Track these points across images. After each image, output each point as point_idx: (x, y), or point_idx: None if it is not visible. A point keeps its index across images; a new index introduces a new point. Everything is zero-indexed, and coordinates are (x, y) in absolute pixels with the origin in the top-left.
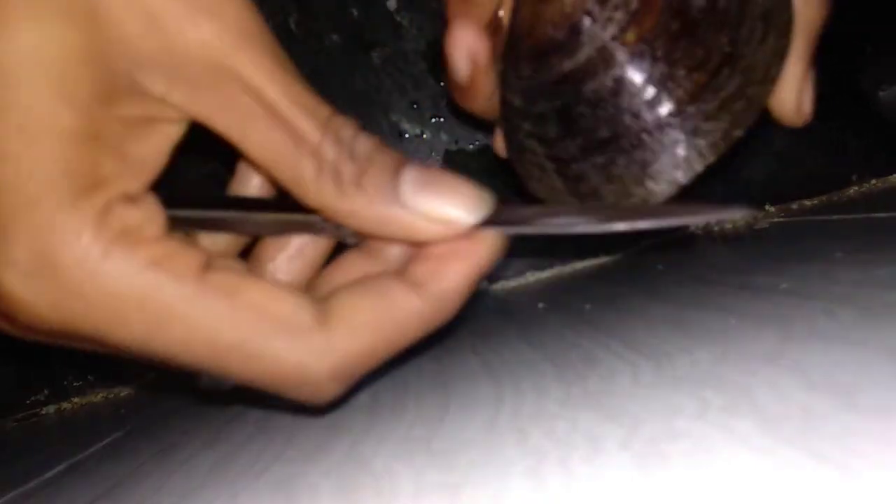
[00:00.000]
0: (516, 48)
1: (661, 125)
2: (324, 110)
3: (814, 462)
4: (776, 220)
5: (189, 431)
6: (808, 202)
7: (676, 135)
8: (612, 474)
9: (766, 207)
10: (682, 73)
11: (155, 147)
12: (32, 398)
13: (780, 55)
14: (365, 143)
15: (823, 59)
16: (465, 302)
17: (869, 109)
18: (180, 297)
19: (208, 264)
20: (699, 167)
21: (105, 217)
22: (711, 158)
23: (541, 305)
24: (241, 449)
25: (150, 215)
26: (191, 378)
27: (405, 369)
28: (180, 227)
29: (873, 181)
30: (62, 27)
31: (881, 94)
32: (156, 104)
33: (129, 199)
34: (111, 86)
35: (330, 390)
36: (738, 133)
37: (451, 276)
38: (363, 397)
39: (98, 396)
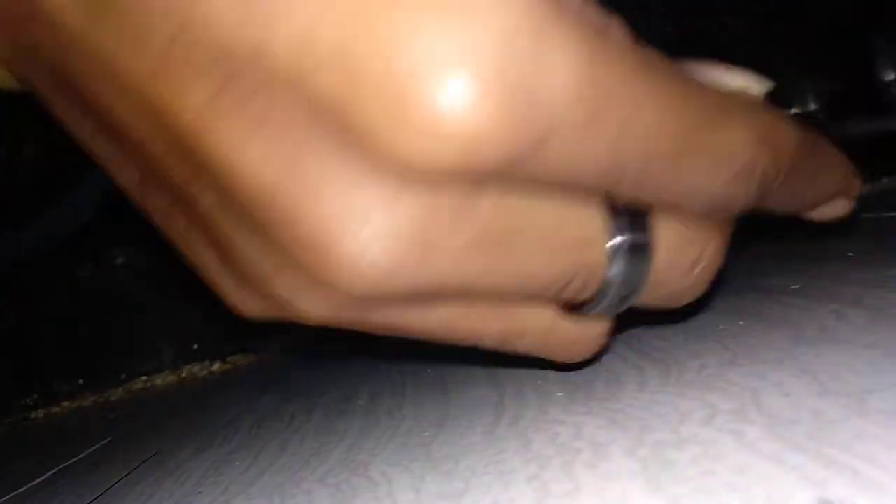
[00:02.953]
0: None
1: None
2: None
3: (824, 468)
4: (785, 219)
5: (181, 437)
6: None
7: None
8: (617, 482)
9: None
10: None
11: None
12: (22, 402)
13: None
14: None
15: (837, 56)
16: None
17: (881, 106)
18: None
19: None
20: None
21: None
22: None
23: None
24: (234, 455)
25: None
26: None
27: (403, 373)
28: None
29: (884, 179)
30: None
31: (893, 90)
32: None
33: None
34: None
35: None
36: None
37: None
38: (360, 401)
39: (88, 401)
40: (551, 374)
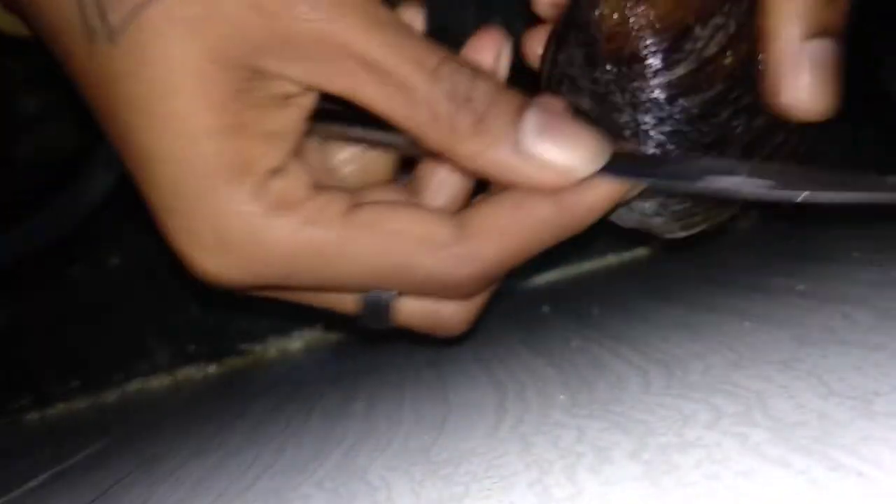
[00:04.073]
0: (592, 46)
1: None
2: (432, 58)
3: (830, 471)
4: (791, 218)
5: (177, 440)
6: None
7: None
8: (620, 486)
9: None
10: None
11: (289, 120)
12: (15, 404)
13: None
14: (484, 87)
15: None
16: (601, 217)
17: (886, 105)
18: (336, 241)
19: (353, 204)
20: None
21: (260, 193)
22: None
23: (545, 308)
24: (230, 459)
25: (297, 181)
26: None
27: (402, 375)
28: (331, 137)
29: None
30: (192, 37)
31: None
32: (279, 83)
33: (277, 171)
34: (238, 79)
35: (474, 300)
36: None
37: (591, 193)
38: (358, 404)
39: (82, 403)
40: (553, 376)
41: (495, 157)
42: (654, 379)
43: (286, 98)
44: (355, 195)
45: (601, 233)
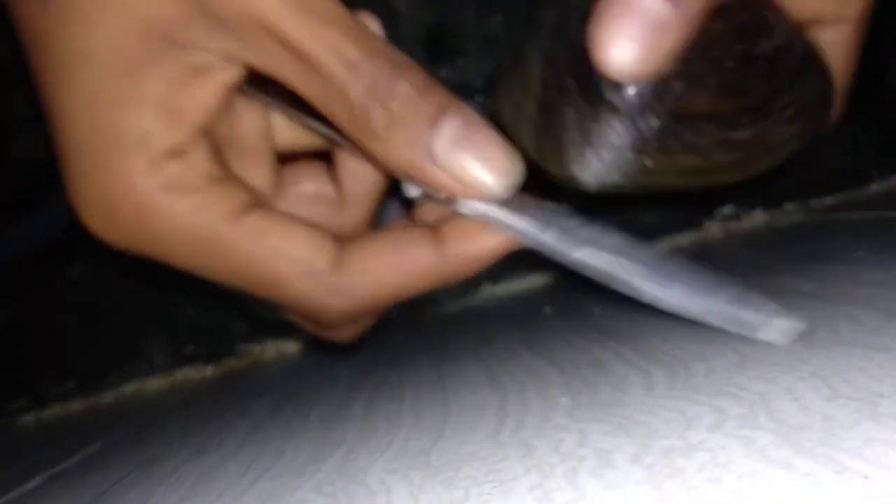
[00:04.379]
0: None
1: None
2: (354, 51)
3: (835, 474)
4: (795, 218)
5: (174, 442)
6: (828, 200)
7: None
8: (623, 490)
9: (785, 206)
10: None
11: (202, 96)
12: (11, 406)
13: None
14: (405, 87)
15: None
16: (483, 267)
17: (891, 105)
18: (216, 238)
19: (246, 206)
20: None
21: (154, 171)
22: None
23: (547, 309)
24: (228, 461)
25: (194, 167)
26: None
27: (402, 376)
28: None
29: (894, 178)
30: (114, 5)
31: None
32: (197, 53)
33: (175, 152)
34: (155, 49)
35: (345, 328)
36: (687, 183)
37: (476, 244)
38: (356, 407)
39: (79, 405)
40: (555, 378)
41: (407, 159)
42: (657, 381)
43: (204, 70)
44: (254, 194)
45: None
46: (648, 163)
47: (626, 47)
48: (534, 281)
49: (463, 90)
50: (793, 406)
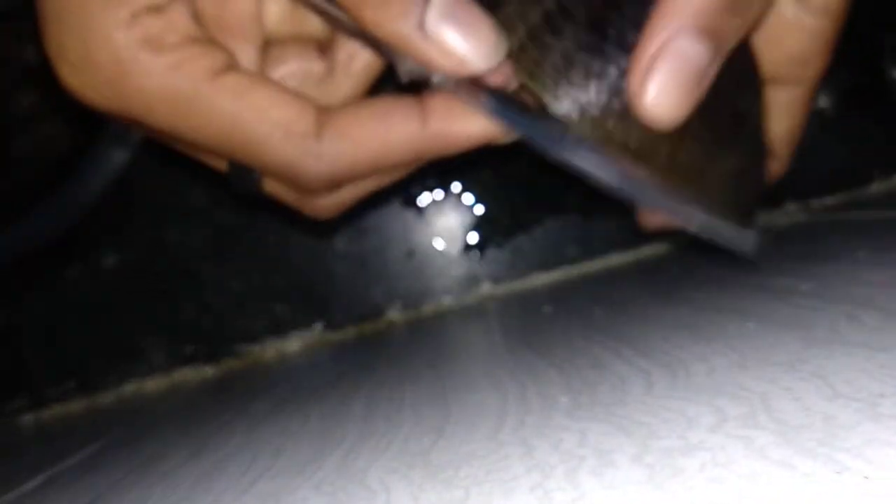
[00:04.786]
0: None
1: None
2: None
3: (835, 474)
4: (796, 218)
5: (173, 442)
6: (829, 199)
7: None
8: (623, 490)
9: (786, 205)
10: None
11: None
12: (11, 406)
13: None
14: None
15: (846, 54)
16: (465, 149)
17: (892, 105)
18: (195, 96)
19: (226, 67)
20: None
21: (133, 25)
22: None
23: (547, 309)
24: (227, 461)
25: (173, 24)
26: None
27: (401, 376)
28: None
29: (895, 178)
30: None
31: None
32: None
33: (155, 8)
34: None
35: (324, 200)
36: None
37: (461, 125)
38: (356, 407)
39: (78, 405)
40: (555, 378)
41: (398, 30)
42: (658, 381)
43: None
44: (235, 59)
45: (604, 232)
46: (610, 123)
47: (665, 94)
48: (534, 281)
49: None
50: (793, 406)
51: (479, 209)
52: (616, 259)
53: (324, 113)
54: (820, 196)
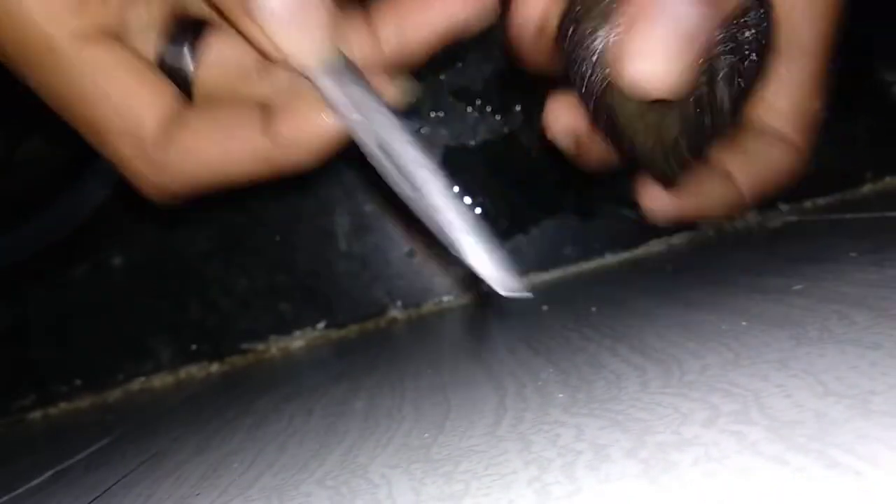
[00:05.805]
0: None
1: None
2: None
3: (827, 470)
4: (789, 218)
5: (179, 438)
6: (821, 200)
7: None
8: (618, 484)
9: (779, 206)
10: None
11: None
12: (19, 403)
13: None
14: None
15: (838, 56)
16: (313, 157)
17: (884, 106)
18: (59, 54)
19: (102, 34)
20: None
21: None
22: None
23: (544, 307)
24: (232, 456)
25: None
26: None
27: (402, 374)
28: None
29: (888, 178)
30: None
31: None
32: None
33: None
34: None
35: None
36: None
37: (304, 128)
38: (359, 402)
39: (85, 402)
40: (553, 375)
41: (232, 5)
42: (653, 378)
43: None
44: (117, 31)
45: (601, 232)
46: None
47: (654, 60)
48: (532, 280)
49: (462, 93)
50: (785, 403)
51: (478, 210)
52: (612, 259)
53: (179, 115)
54: (812, 197)
